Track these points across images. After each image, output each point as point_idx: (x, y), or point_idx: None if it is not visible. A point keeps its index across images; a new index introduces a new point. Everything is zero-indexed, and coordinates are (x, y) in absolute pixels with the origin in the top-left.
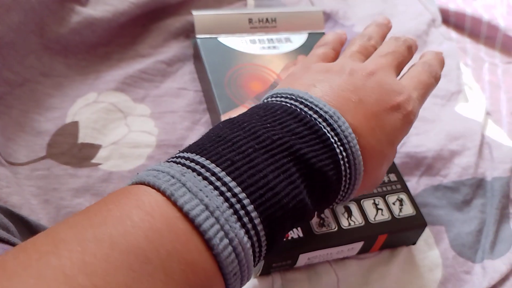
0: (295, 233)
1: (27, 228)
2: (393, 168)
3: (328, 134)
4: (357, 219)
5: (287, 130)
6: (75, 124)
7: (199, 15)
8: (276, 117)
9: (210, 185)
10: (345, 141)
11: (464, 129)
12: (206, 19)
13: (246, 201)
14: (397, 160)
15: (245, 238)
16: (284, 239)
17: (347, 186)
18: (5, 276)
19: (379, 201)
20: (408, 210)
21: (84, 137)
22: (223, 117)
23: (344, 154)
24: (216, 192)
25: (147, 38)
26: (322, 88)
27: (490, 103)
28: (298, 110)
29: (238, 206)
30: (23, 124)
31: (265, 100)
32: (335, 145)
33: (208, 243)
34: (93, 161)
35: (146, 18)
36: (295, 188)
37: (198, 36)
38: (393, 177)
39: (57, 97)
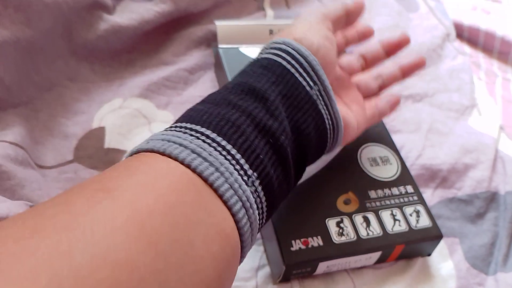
0: (315, 241)
1: None
2: (410, 180)
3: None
4: (375, 229)
5: (276, 94)
6: (101, 129)
7: (221, 25)
8: (264, 78)
9: (219, 153)
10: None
11: (478, 143)
12: (228, 29)
13: (246, 166)
14: (413, 172)
15: (255, 205)
16: (304, 247)
17: (331, 140)
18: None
19: (397, 212)
20: (424, 221)
21: (110, 142)
22: None
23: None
24: (226, 160)
25: (170, 46)
26: None
27: (503, 118)
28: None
29: (243, 172)
30: (51, 128)
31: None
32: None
33: (231, 211)
34: None
35: (169, 26)
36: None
37: (220, 45)
38: (410, 188)
39: (84, 101)
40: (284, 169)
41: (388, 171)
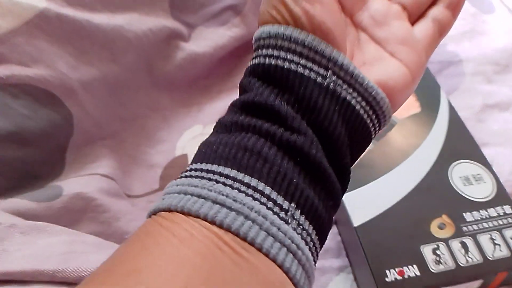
0: (411, 271)
1: None
2: (507, 199)
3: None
4: (474, 256)
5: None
6: (184, 157)
7: None
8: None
9: (244, 195)
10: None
11: None
12: None
13: (280, 199)
14: (507, 190)
15: (303, 243)
16: (400, 278)
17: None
18: None
19: (496, 235)
20: None
21: None
22: None
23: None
24: (255, 202)
25: (243, 69)
26: None
27: None
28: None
29: (278, 208)
30: (136, 158)
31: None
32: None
33: (276, 262)
34: None
35: (241, 49)
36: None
37: None
38: (508, 209)
39: (165, 129)
40: (324, 184)
41: (483, 190)
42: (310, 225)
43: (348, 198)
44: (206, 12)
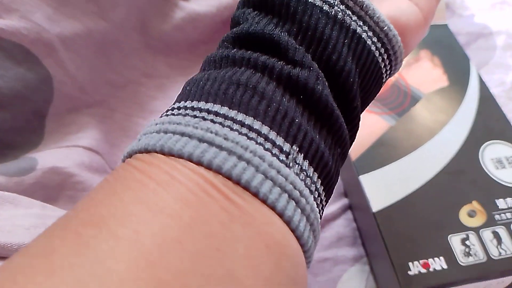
0: (437, 263)
1: None
2: None
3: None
4: (508, 248)
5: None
6: None
7: None
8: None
9: (237, 133)
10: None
11: None
12: None
13: (280, 140)
14: None
15: (306, 191)
16: (425, 271)
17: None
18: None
19: None
20: None
21: None
22: None
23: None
24: (250, 141)
25: None
26: None
27: None
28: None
29: (277, 150)
30: (126, 129)
31: None
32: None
33: (275, 210)
34: None
35: None
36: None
37: None
38: None
39: (160, 99)
40: (331, 127)
41: None
42: (315, 173)
43: (367, 180)
44: None
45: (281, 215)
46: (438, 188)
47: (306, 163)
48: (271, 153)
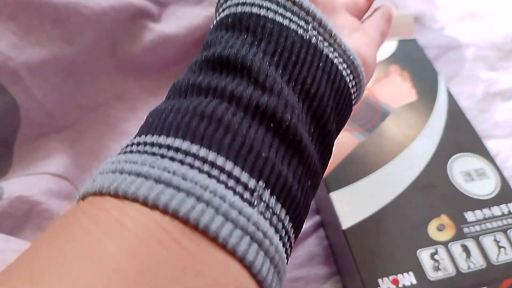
0: (407, 279)
1: None
2: None
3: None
4: (477, 261)
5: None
6: None
7: None
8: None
9: (197, 172)
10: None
11: None
12: None
13: (245, 176)
14: None
15: (271, 231)
16: (395, 287)
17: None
18: None
19: (501, 237)
20: None
21: None
22: None
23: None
24: (211, 179)
25: None
26: None
27: None
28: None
29: (241, 187)
30: (97, 152)
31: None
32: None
33: (235, 255)
34: None
35: None
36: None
37: None
38: None
39: (131, 121)
40: (301, 157)
41: (485, 187)
42: (283, 209)
43: (337, 197)
44: None
45: (241, 259)
46: (408, 203)
47: (273, 199)
48: (234, 191)
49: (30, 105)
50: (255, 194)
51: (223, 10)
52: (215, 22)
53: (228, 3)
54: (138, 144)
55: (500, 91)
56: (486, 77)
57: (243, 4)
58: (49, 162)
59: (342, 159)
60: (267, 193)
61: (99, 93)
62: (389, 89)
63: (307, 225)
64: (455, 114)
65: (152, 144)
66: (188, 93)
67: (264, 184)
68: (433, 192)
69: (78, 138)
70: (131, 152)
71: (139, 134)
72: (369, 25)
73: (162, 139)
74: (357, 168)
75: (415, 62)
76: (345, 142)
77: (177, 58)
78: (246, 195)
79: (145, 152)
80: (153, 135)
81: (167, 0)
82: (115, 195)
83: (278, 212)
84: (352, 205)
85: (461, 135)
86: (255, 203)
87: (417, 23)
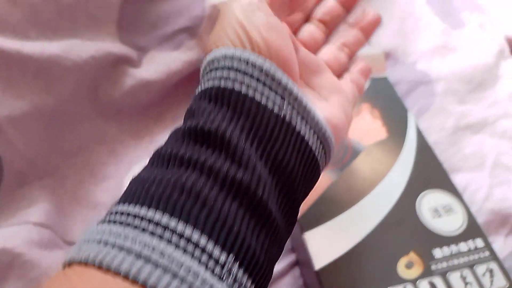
0: None
1: None
2: (479, 232)
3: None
4: None
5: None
6: None
7: None
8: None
9: (174, 248)
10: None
11: None
12: None
13: (217, 251)
14: (481, 218)
15: None
16: None
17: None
18: None
19: (467, 273)
20: (500, 282)
21: None
22: None
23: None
24: (186, 256)
25: None
26: None
27: None
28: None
29: (212, 263)
30: (78, 197)
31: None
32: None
33: None
34: None
35: (197, 74)
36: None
37: None
38: (479, 242)
39: (112, 164)
40: (269, 230)
41: (453, 223)
42: (249, 279)
43: (310, 237)
44: (158, 35)
45: None
46: (378, 240)
47: (241, 272)
48: (206, 266)
49: (12, 157)
50: (225, 268)
51: (208, 80)
52: (199, 88)
53: (213, 74)
54: (122, 213)
55: (469, 124)
56: (456, 110)
57: (226, 79)
58: (31, 211)
59: (315, 199)
60: (236, 266)
61: (80, 138)
62: (360, 126)
63: (283, 264)
64: (424, 150)
65: (135, 216)
66: (170, 163)
67: (234, 257)
68: (403, 229)
69: (60, 184)
70: (114, 222)
71: (122, 201)
72: (349, 81)
73: (143, 211)
74: (330, 207)
75: (386, 100)
76: (318, 181)
77: (157, 100)
78: (217, 269)
79: (128, 224)
80: (135, 204)
81: (147, 45)
82: (99, 267)
83: (244, 283)
84: (325, 244)
85: (429, 171)
86: (224, 278)
87: (389, 58)
